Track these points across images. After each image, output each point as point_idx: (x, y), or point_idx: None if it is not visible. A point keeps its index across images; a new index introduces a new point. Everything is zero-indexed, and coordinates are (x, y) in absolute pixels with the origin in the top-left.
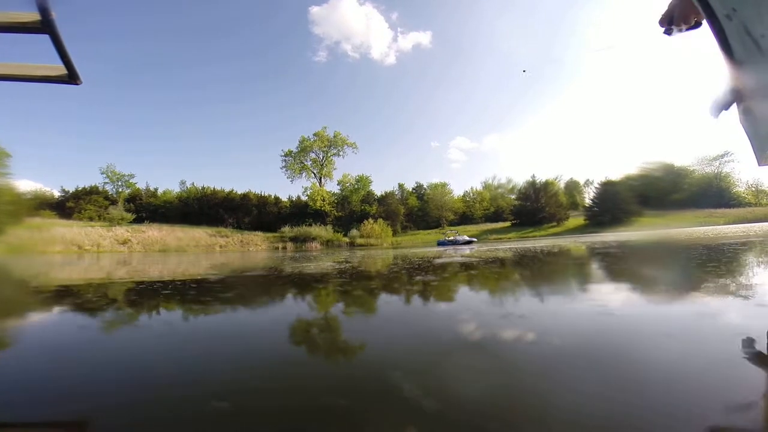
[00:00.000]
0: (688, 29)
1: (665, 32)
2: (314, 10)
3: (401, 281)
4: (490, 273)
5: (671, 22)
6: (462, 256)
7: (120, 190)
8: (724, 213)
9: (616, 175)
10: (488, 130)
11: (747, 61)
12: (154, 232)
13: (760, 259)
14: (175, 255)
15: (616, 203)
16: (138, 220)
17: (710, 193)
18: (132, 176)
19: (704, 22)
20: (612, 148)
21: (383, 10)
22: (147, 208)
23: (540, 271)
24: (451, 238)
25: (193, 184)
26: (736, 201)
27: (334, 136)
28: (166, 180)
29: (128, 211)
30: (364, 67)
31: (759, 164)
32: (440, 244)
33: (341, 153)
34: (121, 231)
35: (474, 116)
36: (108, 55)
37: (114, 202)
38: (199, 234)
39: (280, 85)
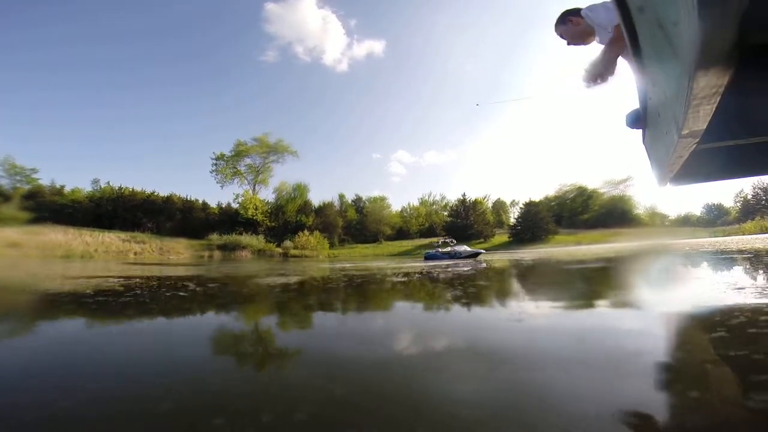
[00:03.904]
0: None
1: (587, 86)
2: (269, 6)
3: None
4: None
5: (594, 78)
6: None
7: (17, 186)
8: (626, 232)
9: (538, 196)
10: (430, 146)
11: (656, 73)
12: (57, 234)
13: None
14: (68, 262)
15: (536, 222)
16: (39, 220)
17: (615, 214)
18: (35, 171)
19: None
20: (539, 172)
21: (342, 15)
22: (50, 207)
23: None
24: (448, 249)
25: (108, 183)
26: (636, 222)
27: (276, 143)
28: (83, 180)
29: (26, 209)
30: (314, 71)
31: (659, 184)
32: (429, 257)
33: (281, 160)
34: (10, 232)
35: (417, 131)
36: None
37: (8, 199)
38: (111, 238)
39: (221, 86)
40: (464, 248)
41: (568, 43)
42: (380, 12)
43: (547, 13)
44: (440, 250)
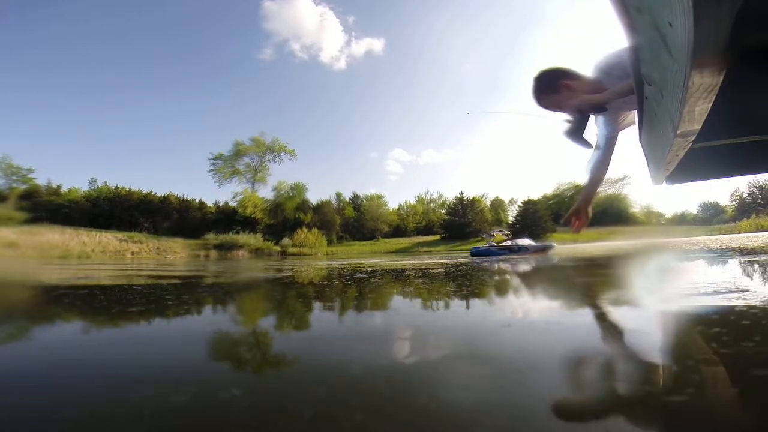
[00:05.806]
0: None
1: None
2: (266, 4)
3: None
4: None
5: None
6: None
7: (14, 186)
8: (622, 231)
9: (536, 194)
10: (427, 144)
11: (652, 72)
12: (54, 234)
13: None
14: (63, 262)
15: (534, 220)
16: (36, 220)
17: (611, 212)
18: (31, 171)
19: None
20: (538, 170)
21: (340, 12)
22: (46, 207)
23: None
24: (508, 243)
25: (105, 183)
26: (632, 220)
27: (272, 142)
28: (80, 180)
29: (23, 209)
30: (311, 69)
31: (653, 183)
32: (478, 254)
33: (278, 159)
34: (7, 233)
35: (415, 130)
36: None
37: (5, 199)
38: (108, 238)
39: (218, 85)
40: (528, 241)
41: (577, 113)
42: (380, 9)
43: (546, 11)
44: (494, 244)
